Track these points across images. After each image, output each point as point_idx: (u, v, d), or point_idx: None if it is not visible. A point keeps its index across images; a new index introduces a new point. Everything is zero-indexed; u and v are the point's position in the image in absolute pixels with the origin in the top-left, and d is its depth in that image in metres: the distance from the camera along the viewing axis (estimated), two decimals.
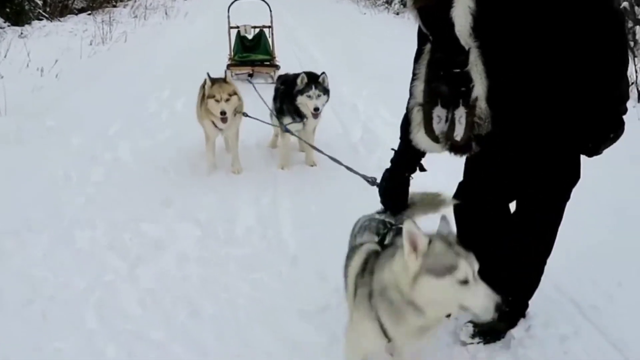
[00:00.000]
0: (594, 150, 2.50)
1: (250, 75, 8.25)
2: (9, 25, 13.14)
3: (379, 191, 2.85)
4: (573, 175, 2.65)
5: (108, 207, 4.53)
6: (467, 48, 2.37)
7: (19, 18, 13.79)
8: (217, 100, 4.82)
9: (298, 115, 5.03)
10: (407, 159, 2.76)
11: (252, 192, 4.81)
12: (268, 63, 8.52)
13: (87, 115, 6.91)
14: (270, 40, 8.87)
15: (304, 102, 4.96)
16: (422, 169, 2.81)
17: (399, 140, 2.78)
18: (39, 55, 9.69)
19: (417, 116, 2.61)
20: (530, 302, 3.07)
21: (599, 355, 2.82)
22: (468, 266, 2.02)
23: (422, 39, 2.63)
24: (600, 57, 2.34)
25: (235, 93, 4.93)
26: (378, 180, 2.95)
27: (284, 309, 3.28)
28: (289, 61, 8.46)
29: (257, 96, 5.51)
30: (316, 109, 4.93)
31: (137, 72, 9.49)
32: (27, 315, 3.23)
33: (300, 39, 12.84)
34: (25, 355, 2.93)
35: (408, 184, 2.81)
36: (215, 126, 4.99)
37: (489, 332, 2.94)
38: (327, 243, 3.86)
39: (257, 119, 5.13)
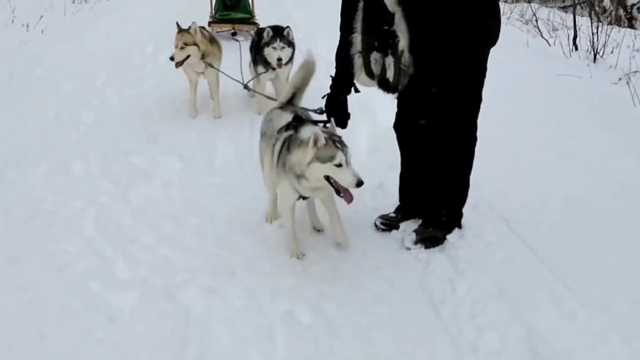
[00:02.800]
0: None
1: (234, 34, 8.62)
2: None
3: (326, 112, 3.51)
4: (477, 100, 3.32)
5: (99, 143, 4.98)
6: (392, 12, 3.08)
7: None
8: (175, 47, 5.32)
9: (267, 64, 5.52)
10: (342, 84, 3.45)
11: (230, 132, 5.30)
12: (248, 21, 8.91)
13: (74, 66, 7.23)
14: None
15: (270, 54, 5.44)
16: (357, 90, 3.48)
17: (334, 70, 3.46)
18: (24, 12, 9.94)
19: (358, 61, 3.33)
20: (465, 218, 3.65)
21: (517, 257, 3.40)
22: (342, 156, 3.04)
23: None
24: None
25: (194, 43, 5.37)
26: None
27: (259, 222, 3.82)
28: (268, 20, 8.85)
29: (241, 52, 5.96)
30: (279, 60, 5.42)
31: (120, 29, 9.76)
32: (33, 226, 3.74)
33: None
34: (37, 254, 3.43)
35: (346, 103, 3.50)
36: (195, 70, 5.45)
37: (428, 239, 3.52)
38: None
39: (221, 71, 5.58)
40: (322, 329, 2.90)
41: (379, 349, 2.80)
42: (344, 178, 3.06)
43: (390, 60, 3.21)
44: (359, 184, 3.04)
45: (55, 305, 3.01)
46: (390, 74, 3.24)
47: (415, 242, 3.54)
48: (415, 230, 3.61)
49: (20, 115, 5.54)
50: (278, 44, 5.43)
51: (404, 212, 3.75)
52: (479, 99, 3.31)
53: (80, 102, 5.99)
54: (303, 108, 3.81)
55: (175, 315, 2.96)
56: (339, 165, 3.05)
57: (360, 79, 3.37)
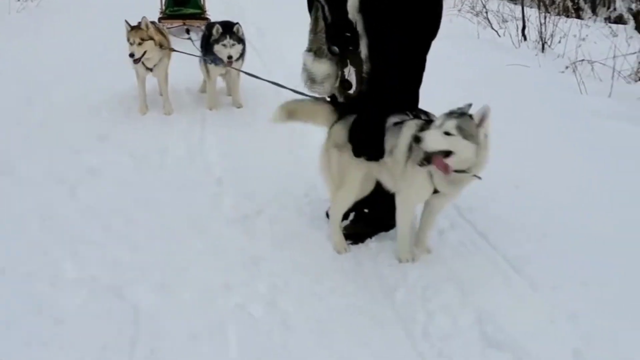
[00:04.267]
0: None
1: (188, 31, 8.51)
2: None
3: (355, 141, 3.21)
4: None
5: (46, 143, 4.85)
6: (354, 21, 3.03)
7: None
8: (131, 44, 5.23)
9: (220, 59, 5.43)
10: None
11: (182, 128, 5.23)
12: (199, 17, 8.81)
13: (19, 65, 7.05)
14: None
15: (220, 50, 5.36)
16: None
17: None
18: None
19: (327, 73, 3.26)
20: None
21: (468, 243, 3.45)
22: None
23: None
24: None
25: (150, 38, 5.29)
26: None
27: (211, 218, 3.77)
28: (220, 15, 8.76)
29: (193, 48, 5.87)
30: (229, 57, 5.33)
31: (67, 27, 9.55)
32: None
33: None
34: None
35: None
36: (144, 67, 5.36)
37: (355, 235, 3.53)
38: (249, 168, 4.41)
39: (184, 52, 5.51)
40: (276, 323, 2.87)
41: (334, 341, 2.79)
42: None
43: (350, 70, 3.19)
44: (417, 138, 2.91)
45: None
46: (352, 84, 3.21)
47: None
48: (345, 226, 3.58)
49: None
50: (228, 41, 5.34)
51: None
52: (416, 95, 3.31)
53: (26, 102, 5.81)
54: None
55: (124, 313, 2.89)
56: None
57: (324, 86, 3.30)
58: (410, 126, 3.08)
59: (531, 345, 2.64)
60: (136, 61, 5.24)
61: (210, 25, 5.81)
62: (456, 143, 2.85)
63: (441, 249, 3.39)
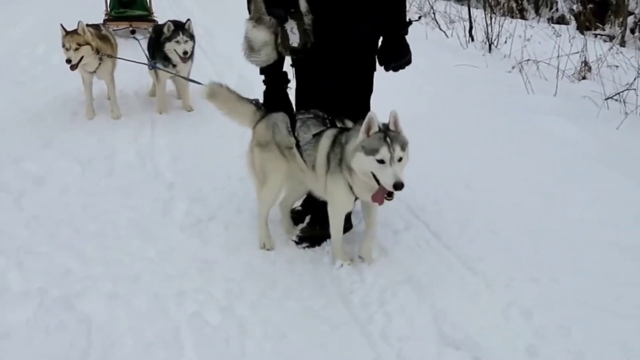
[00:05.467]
0: (394, 68, 3.31)
1: (133, 32, 8.34)
2: None
3: (266, 106, 3.42)
4: (368, 87, 3.38)
5: None
6: None
7: None
8: (67, 49, 5.09)
9: (166, 60, 5.35)
10: (278, 74, 3.38)
11: (131, 133, 5.12)
12: (146, 19, 8.66)
13: None
14: None
15: (173, 48, 5.29)
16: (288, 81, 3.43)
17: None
18: None
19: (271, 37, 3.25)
20: None
21: (423, 243, 3.47)
22: (387, 153, 2.76)
23: None
24: None
25: (87, 43, 5.15)
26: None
27: (162, 224, 3.70)
28: (167, 16, 8.63)
29: (141, 51, 5.75)
30: (185, 53, 5.29)
31: (6, 28, 9.26)
32: None
33: None
34: None
35: (287, 93, 3.43)
36: (87, 70, 5.23)
37: (312, 238, 3.54)
38: (199, 172, 4.35)
39: (124, 59, 5.41)
40: (233, 329, 2.82)
41: (291, 344, 2.76)
42: (382, 176, 2.78)
43: (292, 24, 3.19)
44: (397, 186, 2.74)
45: None
46: (294, 38, 3.19)
47: (299, 241, 3.54)
48: (301, 229, 3.59)
49: None
50: (181, 37, 5.30)
51: (308, 205, 3.72)
52: (370, 80, 3.36)
53: None
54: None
55: (75, 325, 2.79)
56: (381, 162, 2.78)
57: (261, 54, 3.28)
58: (328, 135, 3.13)
59: (487, 343, 2.67)
60: (72, 67, 5.10)
61: (158, 27, 5.71)
62: (406, 160, 2.91)
63: (397, 249, 3.40)
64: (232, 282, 3.18)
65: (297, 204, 3.78)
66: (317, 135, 3.17)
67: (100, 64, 5.26)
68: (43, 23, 9.20)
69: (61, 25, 5.20)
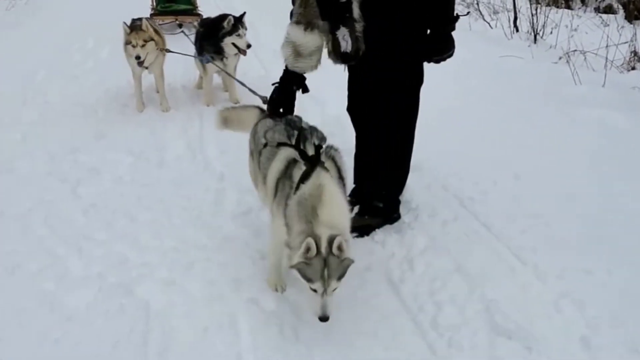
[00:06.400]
0: (436, 61, 3.29)
1: (180, 26, 8.49)
2: None
3: (271, 103, 3.34)
4: (418, 79, 3.36)
5: (44, 142, 4.85)
6: None
7: None
8: (133, 46, 5.21)
9: (217, 54, 5.45)
10: (294, 76, 3.30)
11: (180, 125, 5.23)
12: (191, 12, 8.78)
13: (11, 65, 7.02)
14: None
15: (233, 42, 5.41)
16: (306, 90, 3.38)
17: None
18: None
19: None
20: (418, 198, 3.73)
21: (472, 234, 3.47)
22: (321, 286, 2.55)
23: None
24: None
25: (151, 39, 5.28)
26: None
27: (214, 213, 3.78)
28: (211, 10, 8.75)
29: (187, 44, 5.87)
30: (249, 46, 5.46)
31: (58, 25, 9.51)
32: None
33: None
34: None
35: (295, 95, 3.35)
36: (139, 64, 5.36)
37: (361, 228, 3.52)
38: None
39: (179, 53, 5.53)
40: (286, 315, 2.90)
41: (342, 331, 2.80)
42: (311, 302, 2.63)
43: (344, 32, 3.20)
44: (322, 319, 2.60)
45: (9, 307, 2.93)
46: (346, 45, 3.21)
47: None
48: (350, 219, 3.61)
49: None
50: (242, 30, 5.45)
51: (358, 195, 3.76)
52: (421, 72, 3.36)
53: (20, 101, 5.81)
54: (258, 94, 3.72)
55: (134, 310, 2.90)
56: (314, 291, 2.59)
57: (311, 60, 3.29)
58: (281, 159, 2.96)
59: (539, 333, 2.68)
60: (140, 63, 5.22)
61: (205, 21, 5.81)
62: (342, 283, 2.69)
63: (445, 241, 3.40)
64: (284, 270, 3.23)
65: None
66: (277, 147, 3.02)
67: (162, 53, 5.39)
68: (91, 17, 9.42)
69: (124, 23, 5.32)
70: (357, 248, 3.42)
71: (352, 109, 3.63)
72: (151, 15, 8.39)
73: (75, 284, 3.11)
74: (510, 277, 3.08)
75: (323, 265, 2.54)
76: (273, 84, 3.39)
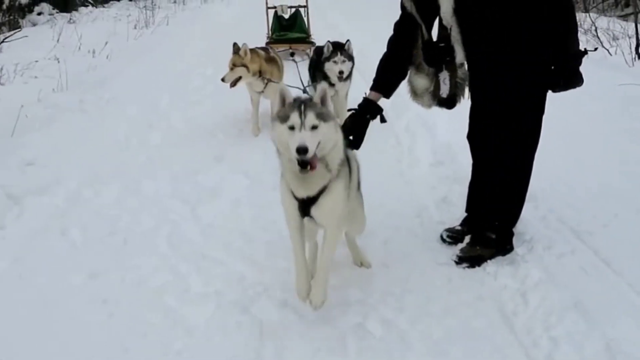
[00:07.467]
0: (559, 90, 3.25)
1: (292, 54, 8.81)
2: (57, 12, 13.95)
3: (342, 128, 3.27)
4: (540, 109, 3.30)
5: (167, 164, 5.17)
6: (448, 27, 3.17)
7: (66, 5, 14.61)
8: (229, 68, 5.57)
9: (326, 79, 5.60)
10: (372, 105, 3.40)
11: None
12: (304, 40, 9.08)
13: (138, 90, 7.53)
14: (305, 19, 9.43)
15: (331, 68, 5.56)
16: (383, 120, 3.47)
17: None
18: (89, 39, 10.43)
19: (422, 82, 3.42)
20: (533, 230, 3.64)
21: (591, 269, 3.34)
22: (297, 118, 2.65)
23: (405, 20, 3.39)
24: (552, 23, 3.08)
25: (242, 65, 5.57)
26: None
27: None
28: (324, 39, 9.01)
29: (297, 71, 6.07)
30: (341, 72, 5.55)
31: (180, 52, 10.13)
32: (110, 243, 3.90)
33: (331, 18, 13.37)
34: (115, 270, 3.57)
35: (367, 125, 3.39)
36: (255, 90, 5.62)
37: (473, 259, 3.51)
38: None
39: (289, 86, 5.68)
40: (394, 341, 2.91)
41: None
42: (290, 141, 2.66)
43: (445, 75, 3.29)
44: (299, 150, 2.59)
45: (135, 319, 3.12)
46: (445, 89, 3.32)
47: (459, 261, 3.52)
48: (461, 249, 3.58)
49: (92, 138, 5.76)
50: (339, 57, 5.57)
51: (470, 224, 3.74)
52: (543, 103, 3.30)
53: (147, 125, 6.22)
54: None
55: (249, 327, 3.02)
56: (292, 128, 2.67)
57: (424, 100, 3.45)
58: None
59: None
60: (231, 85, 5.56)
61: (318, 49, 5.99)
62: (328, 132, 2.74)
63: (561, 275, 3.29)
64: (392, 296, 3.27)
65: (457, 223, 3.80)
66: None
67: (266, 84, 5.61)
68: (212, 45, 9.94)
69: (234, 43, 5.69)
70: (468, 278, 3.41)
71: (472, 136, 3.62)
72: (267, 43, 8.75)
73: (195, 300, 3.27)
74: (632, 315, 2.93)
75: (300, 104, 2.71)
76: (349, 110, 3.48)
